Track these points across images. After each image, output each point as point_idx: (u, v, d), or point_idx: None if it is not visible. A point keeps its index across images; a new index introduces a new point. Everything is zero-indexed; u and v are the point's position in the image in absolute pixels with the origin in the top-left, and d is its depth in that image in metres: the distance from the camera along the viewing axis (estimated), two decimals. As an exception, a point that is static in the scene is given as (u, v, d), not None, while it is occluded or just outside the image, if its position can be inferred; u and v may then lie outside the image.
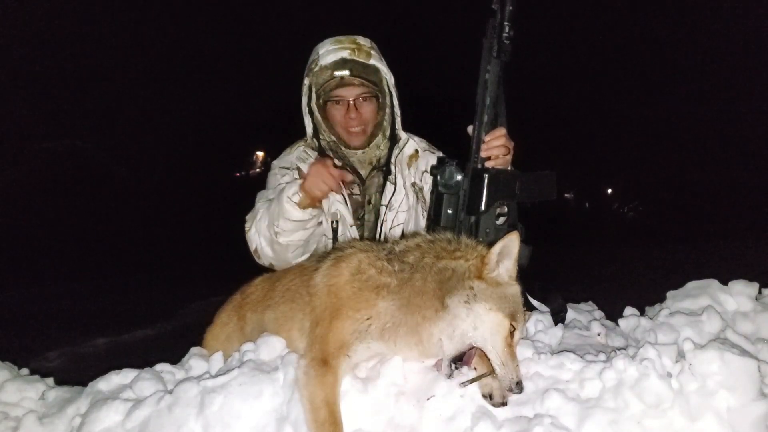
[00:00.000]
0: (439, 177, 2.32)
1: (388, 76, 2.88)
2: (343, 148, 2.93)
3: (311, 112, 2.93)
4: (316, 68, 2.80)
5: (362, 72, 2.79)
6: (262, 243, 2.71)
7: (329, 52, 2.79)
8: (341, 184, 2.55)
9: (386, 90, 2.90)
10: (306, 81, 2.85)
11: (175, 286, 11.23)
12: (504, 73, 2.28)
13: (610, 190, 39.23)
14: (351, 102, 2.81)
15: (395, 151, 2.97)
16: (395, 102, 2.94)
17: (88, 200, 20.01)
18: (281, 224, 2.58)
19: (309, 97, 2.89)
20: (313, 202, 2.57)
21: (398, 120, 2.97)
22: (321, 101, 2.87)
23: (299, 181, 2.57)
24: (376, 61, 2.83)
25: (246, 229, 2.78)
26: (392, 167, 2.95)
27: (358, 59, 2.78)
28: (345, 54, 2.77)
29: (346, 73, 2.76)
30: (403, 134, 3.01)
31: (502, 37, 2.23)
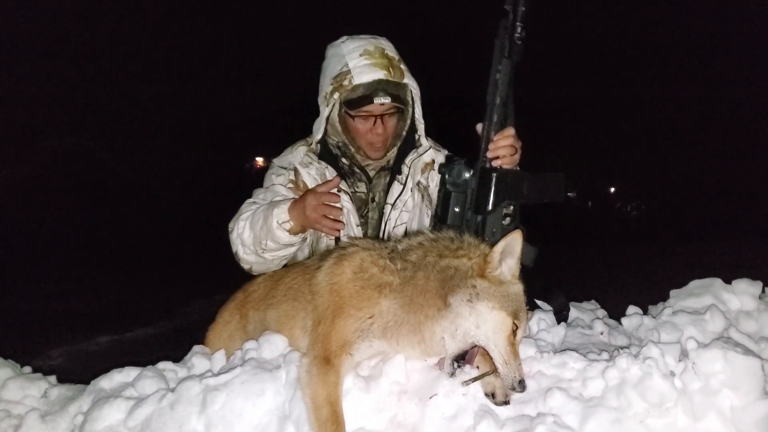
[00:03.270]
0: (447, 175, 2.31)
1: (415, 89, 2.83)
2: (354, 153, 2.92)
3: (327, 117, 2.86)
4: (349, 85, 2.69)
5: (394, 91, 2.74)
6: (245, 251, 2.68)
7: (362, 68, 2.68)
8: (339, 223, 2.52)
9: (410, 101, 2.86)
10: (335, 95, 2.73)
11: (178, 284, 11.23)
12: (514, 74, 2.27)
13: (612, 189, 39.17)
14: (378, 117, 2.76)
15: (412, 154, 2.93)
16: (418, 111, 2.89)
17: (91, 198, 20.04)
18: (269, 244, 2.58)
19: (332, 106, 2.80)
20: (304, 229, 2.57)
21: (421, 127, 2.92)
22: (344, 111, 2.81)
23: (288, 203, 2.54)
24: (408, 79, 2.78)
25: (229, 230, 2.76)
26: (404, 168, 2.92)
27: (393, 80, 2.72)
28: (381, 75, 2.68)
29: (387, 99, 2.68)
30: (425, 141, 2.95)
31: (513, 38, 2.23)
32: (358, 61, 2.71)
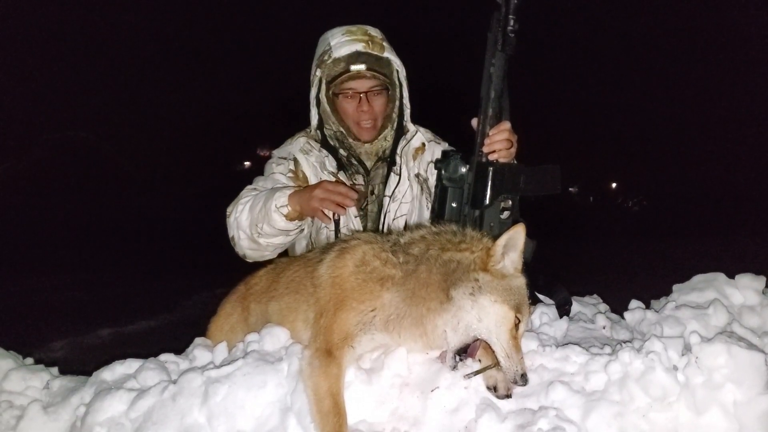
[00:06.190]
0: (443, 170, 2.30)
1: (399, 69, 2.86)
2: (349, 140, 2.92)
3: (318, 103, 2.90)
4: (329, 60, 2.76)
5: (376, 65, 2.77)
6: (240, 236, 2.68)
7: (342, 44, 2.75)
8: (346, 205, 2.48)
9: (396, 82, 2.88)
10: (318, 72, 2.82)
11: (180, 277, 11.25)
12: (508, 67, 2.26)
13: (614, 184, 39.12)
14: (363, 95, 2.79)
15: (402, 143, 2.95)
16: (405, 93, 2.92)
17: (93, 191, 20.07)
18: (264, 228, 2.57)
19: (318, 88, 2.86)
20: (301, 215, 2.55)
21: (407, 112, 2.96)
22: (331, 93, 2.84)
23: (291, 190, 2.54)
24: (389, 54, 2.81)
25: (227, 214, 2.76)
26: (397, 158, 2.93)
27: (372, 52, 2.76)
28: (359, 47, 2.74)
29: (362, 67, 2.73)
30: (411, 126, 2.99)
31: (507, 31, 2.21)
32: (339, 38, 2.77)
